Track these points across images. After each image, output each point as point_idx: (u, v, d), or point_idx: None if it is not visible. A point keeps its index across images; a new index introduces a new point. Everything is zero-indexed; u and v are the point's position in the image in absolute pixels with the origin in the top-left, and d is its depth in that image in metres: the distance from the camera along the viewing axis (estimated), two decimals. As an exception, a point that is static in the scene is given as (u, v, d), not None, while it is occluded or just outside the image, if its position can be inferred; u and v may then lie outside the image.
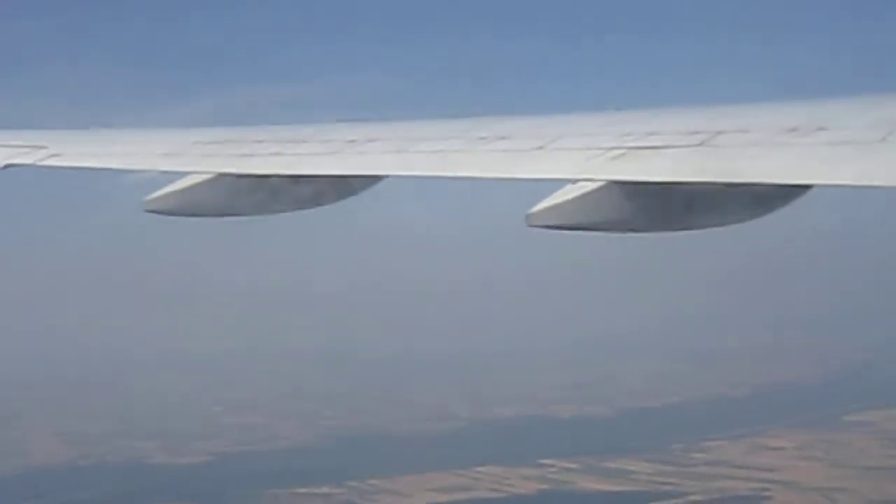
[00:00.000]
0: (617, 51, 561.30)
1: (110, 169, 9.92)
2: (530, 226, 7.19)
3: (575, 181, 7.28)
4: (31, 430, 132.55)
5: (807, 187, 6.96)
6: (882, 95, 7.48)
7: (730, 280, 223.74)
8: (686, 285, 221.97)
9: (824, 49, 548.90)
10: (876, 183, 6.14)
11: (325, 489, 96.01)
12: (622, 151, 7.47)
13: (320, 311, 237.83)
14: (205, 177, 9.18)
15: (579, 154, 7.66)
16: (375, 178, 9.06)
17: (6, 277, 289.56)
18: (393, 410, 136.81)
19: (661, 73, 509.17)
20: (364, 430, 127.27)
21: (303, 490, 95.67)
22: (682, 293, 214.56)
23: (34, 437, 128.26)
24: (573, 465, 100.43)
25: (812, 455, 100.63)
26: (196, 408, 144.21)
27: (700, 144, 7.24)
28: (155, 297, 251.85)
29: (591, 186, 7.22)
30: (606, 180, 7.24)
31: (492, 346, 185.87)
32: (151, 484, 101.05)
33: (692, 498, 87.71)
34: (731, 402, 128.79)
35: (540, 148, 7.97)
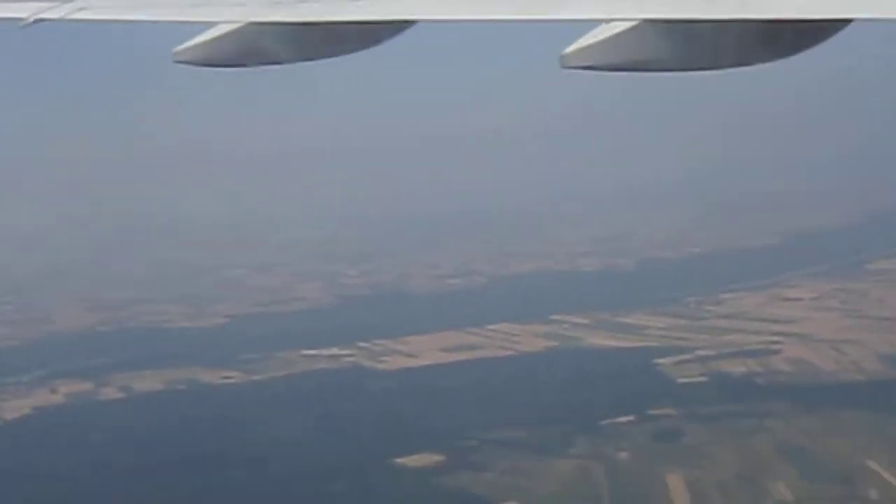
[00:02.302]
0: None
1: (139, 21, 9.86)
2: (564, 67, 7.16)
3: (608, 21, 7.23)
4: (56, 296, 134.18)
5: (845, 22, 6.88)
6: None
7: (756, 124, 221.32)
8: (714, 129, 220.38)
9: None
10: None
11: (333, 350, 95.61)
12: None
13: (344, 170, 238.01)
14: (233, 26, 9.13)
15: None
16: (405, 24, 8.98)
17: (35, 134, 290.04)
18: (417, 269, 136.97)
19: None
20: (384, 289, 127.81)
21: (311, 352, 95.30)
22: (710, 138, 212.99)
23: (58, 303, 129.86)
24: (585, 321, 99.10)
25: (828, 305, 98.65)
26: (220, 271, 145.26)
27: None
28: (180, 157, 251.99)
29: (624, 26, 7.16)
30: (639, 19, 7.18)
31: (520, 199, 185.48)
32: (167, 348, 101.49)
33: (700, 353, 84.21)
34: (754, 252, 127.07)
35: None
